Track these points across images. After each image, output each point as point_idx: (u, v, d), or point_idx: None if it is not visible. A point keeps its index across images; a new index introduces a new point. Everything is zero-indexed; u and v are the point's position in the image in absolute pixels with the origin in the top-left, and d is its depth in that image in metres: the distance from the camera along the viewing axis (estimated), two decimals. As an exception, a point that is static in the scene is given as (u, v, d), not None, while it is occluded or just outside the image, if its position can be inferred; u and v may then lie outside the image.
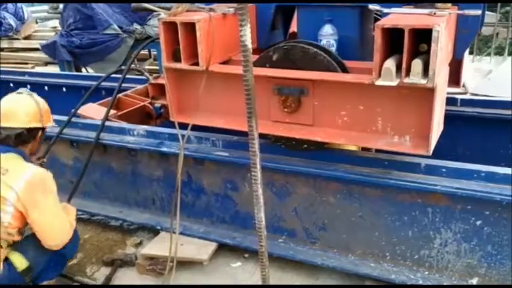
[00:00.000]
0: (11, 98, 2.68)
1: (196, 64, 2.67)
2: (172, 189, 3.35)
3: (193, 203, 3.29)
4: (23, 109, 2.61)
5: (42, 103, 2.74)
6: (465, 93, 6.02)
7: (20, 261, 2.54)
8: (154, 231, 3.52)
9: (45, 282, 2.72)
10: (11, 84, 5.49)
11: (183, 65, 2.68)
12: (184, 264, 3.08)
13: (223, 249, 3.26)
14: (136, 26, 6.84)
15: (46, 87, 5.32)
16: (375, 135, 2.45)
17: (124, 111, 3.79)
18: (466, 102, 3.57)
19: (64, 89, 5.23)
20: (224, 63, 2.84)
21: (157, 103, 3.83)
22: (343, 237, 2.88)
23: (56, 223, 2.57)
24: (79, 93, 4.73)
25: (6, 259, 2.53)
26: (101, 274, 3.19)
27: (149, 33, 6.66)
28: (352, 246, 2.88)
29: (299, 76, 2.50)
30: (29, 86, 5.51)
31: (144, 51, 7.73)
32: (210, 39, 2.60)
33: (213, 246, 3.17)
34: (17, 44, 9.67)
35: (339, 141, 2.54)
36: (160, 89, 3.08)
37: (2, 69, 6.42)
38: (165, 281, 2.95)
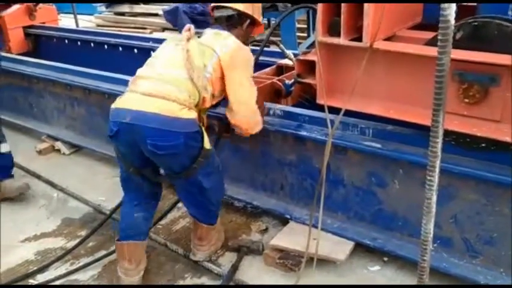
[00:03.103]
0: None
1: (358, 40, 2.29)
2: (305, 176, 3.06)
3: (329, 195, 2.95)
4: None
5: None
6: None
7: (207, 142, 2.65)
8: (279, 218, 3.27)
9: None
10: (135, 50, 5.48)
11: (341, 40, 2.31)
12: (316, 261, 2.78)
13: (359, 249, 2.91)
14: (261, -7, 6.52)
15: (169, 55, 5.21)
16: None
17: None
18: None
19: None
20: (386, 39, 2.42)
21: (288, 80, 3.50)
22: (517, 256, 2.40)
23: (246, 93, 2.73)
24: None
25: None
26: (225, 260, 3.00)
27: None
28: (528, 268, 2.39)
29: (491, 60, 2.02)
30: (152, 53, 5.51)
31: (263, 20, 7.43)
32: (379, 11, 2.19)
33: (350, 245, 2.84)
34: (137, 9, 9.87)
35: (539, 145, 2.05)
36: (309, 67, 2.73)
37: (125, 34, 6.50)
38: (298, 279, 2.68)
